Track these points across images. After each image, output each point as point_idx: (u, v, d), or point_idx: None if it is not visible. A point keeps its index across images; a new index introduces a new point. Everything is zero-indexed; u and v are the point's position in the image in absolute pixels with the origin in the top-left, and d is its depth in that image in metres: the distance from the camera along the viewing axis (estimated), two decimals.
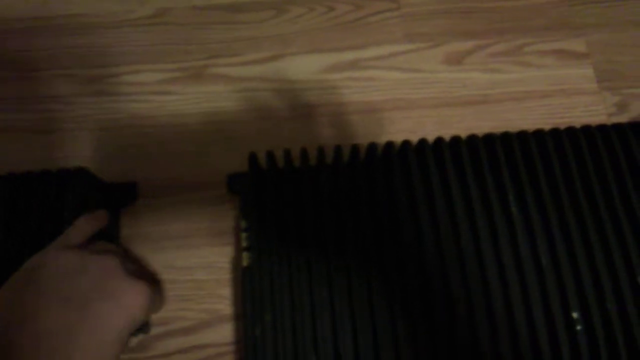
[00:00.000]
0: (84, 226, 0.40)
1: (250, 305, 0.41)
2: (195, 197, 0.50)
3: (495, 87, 0.54)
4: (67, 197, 0.43)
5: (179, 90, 0.55)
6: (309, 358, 0.39)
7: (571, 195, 0.42)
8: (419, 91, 0.54)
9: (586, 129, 0.45)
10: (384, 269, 0.41)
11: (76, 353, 0.31)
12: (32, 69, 0.55)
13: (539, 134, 0.44)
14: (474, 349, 0.38)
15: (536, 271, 0.40)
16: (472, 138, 0.44)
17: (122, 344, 0.34)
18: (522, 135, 0.44)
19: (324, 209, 0.43)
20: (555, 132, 0.45)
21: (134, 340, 0.45)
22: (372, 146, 0.45)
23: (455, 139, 0.44)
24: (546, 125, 0.46)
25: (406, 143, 0.45)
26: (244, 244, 0.44)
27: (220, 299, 0.47)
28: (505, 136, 0.44)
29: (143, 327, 0.43)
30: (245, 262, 0.43)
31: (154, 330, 0.46)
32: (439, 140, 0.45)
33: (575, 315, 0.39)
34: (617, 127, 0.45)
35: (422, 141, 0.45)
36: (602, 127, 0.45)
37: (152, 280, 0.39)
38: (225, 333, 0.46)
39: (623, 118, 0.52)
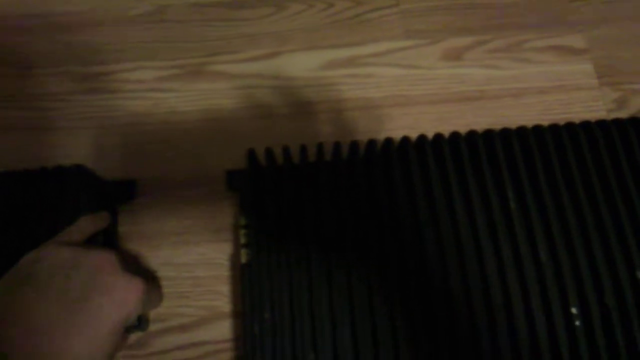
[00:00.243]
0: (85, 225, 0.40)
1: (249, 302, 0.41)
2: (193, 194, 0.50)
3: (494, 83, 0.54)
4: (65, 195, 0.43)
5: (177, 87, 0.55)
6: (307, 356, 0.39)
7: (570, 191, 0.42)
8: (418, 87, 0.54)
9: (586, 125, 0.45)
10: (384, 265, 0.41)
11: (69, 347, 0.31)
12: (29, 66, 0.55)
13: (538, 129, 0.44)
14: (473, 343, 0.38)
15: (535, 267, 0.40)
16: (471, 134, 0.44)
17: (117, 339, 0.34)
18: (522, 131, 0.44)
19: (323, 205, 0.43)
20: (554, 127, 0.45)
21: (132, 337, 0.45)
22: (372, 142, 0.45)
23: (455, 135, 0.44)
24: (545, 121, 0.46)
25: (405, 139, 0.45)
26: (243, 240, 0.44)
27: (219, 296, 0.47)
28: (505, 132, 0.44)
29: (141, 325, 0.43)
30: (244, 259, 0.43)
31: (152, 327, 0.45)
32: (438, 137, 0.44)
33: (574, 310, 0.39)
34: (617, 122, 0.45)
35: (422, 137, 0.45)
36: (601, 123, 0.45)
37: (148, 277, 0.39)
38: (223, 330, 0.45)
39: (623, 114, 0.52)
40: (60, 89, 0.55)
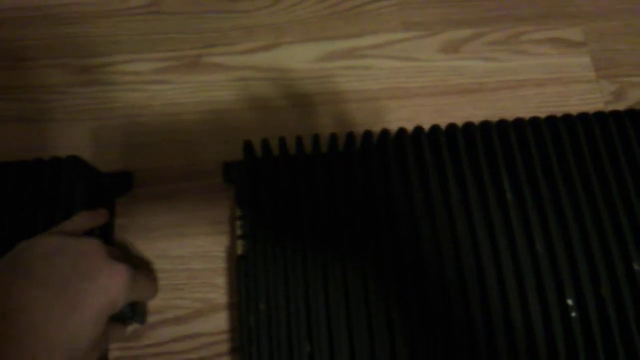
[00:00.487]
0: (81, 220, 0.40)
1: (244, 293, 0.41)
2: (190, 186, 0.50)
3: (492, 75, 0.54)
4: (61, 186, 0.42)
5: (173, 79, 0.54)
6: (303, 347, 0.39)
7: (567, 183, 0.42)
8: (415, 80, 0.54)
9: (583, 117, 0.44)
10: (379, 256, 0.41)
11: (51, 331, 0.31)
12: (25, 59, 0.55)
13: (535, 121, 0.44)
14: (469, 335, 0.38)
15: (531, 258, 0.40)
16: (468, 126, 0.44)
17: (101, 325, 0.34)
18: (519, 122, 0.44)
19: (319, 197, 0.43)
20: (551, 119, 0.44)
21: (129, 329, 0.45)
22: (368, 134, 0.45)
23: (452, 127, 0.44)
24: (542, 113, 0.46)
25: (402, 130, 0.44)
26: (239, 232, 0.44)
27: (215, 288, 0.47)
28: (502, 124, 0.44)
29: (136, 316, 0.43)
30: (240, 251, 0.43)
31: (148, 319, 0.45)
32: (435, 128, 0.44)
33: (570, 302, 0.39)
34: (614, 114, 0.44)
35: (418, 128, 0.44)
36: (599, 115, 0.44)
37: (142, 267, 0.39)
38: (219, 322, 0.45)
39: (620, 106, 0.52)
40: (57, 81, 0.54)
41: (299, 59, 0.55)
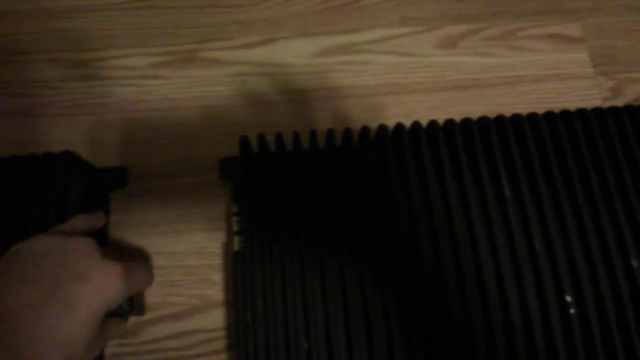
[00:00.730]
0: (76, 224, 0.39)
1: (241, 290, 0.41)
2: (186, 182, 0.49)
3: (489, 71, 0.54)
4: (54, 181, 0.42)
5: (169, 74, 0.54)
6: (300, 343, 0.39)
7: (565, 179, 0.42)
8: (413, 75, 0.54)
9: (581, 113, 0.44)
10: (377, 252, 0.41)
11: (45, 333, 0.31)
12: (18, 53, 0.54)
13: (533, 117, 0.44)
14: (467, 332, 0.38)
15: (530, 254, 0.40)
16: (465, 121, 0.44)
17: (97, 324, 0.34)
18: (517, 118, 0.44)
19: (316, 193, 0.43)
20: (549, 115, 0.44)
21: (129, 323, 0.44)
22: (365, 130, 0.44)
23: (449, 122, 0.44)
24: (540, 110, 0.45)
25: (399, 126, 0.44)
26: (236, 228, 0.44)
27: (211, 285, 0.46)
28: (500, 119, 0.44)
29: (135, 309, 0.43)
30: (236, 247, 0.43)
31: (143, 316, 0.45)
32: (433, 124, 0.44)
33: (568, 298, 0.39)
34: (612, 110, 0.44)
35: (416, 124, 0.44)
36: (597, 111, 0.44)
37: (137, 259, 0.38)
38: (215, 319, 0.45)
39: (618, 103, 0.52)
40: (51, 75, 0.54)
41: (296, 54, 0.55)
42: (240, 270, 0.41)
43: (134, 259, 0.41)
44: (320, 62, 0.54)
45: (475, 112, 0.47)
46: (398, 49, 0.55)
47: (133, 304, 0.42)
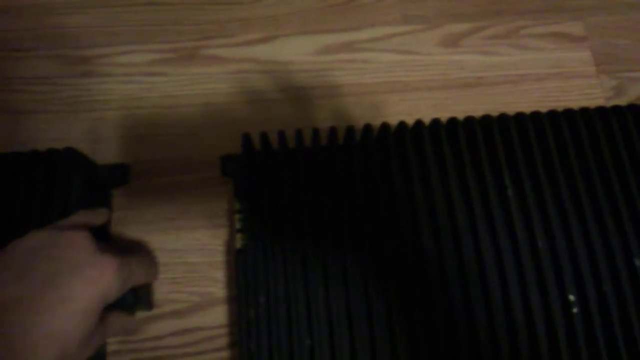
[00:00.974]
0: (77, 219, 0.39)
1: (243, 287, 0.40)
2: (188, 179, 0.49)
3: (491, 69, 0.54)
4: (56, 178, 0.42)
5: (170, 71, 0.54)
6: (303, 341, 0.39)
7: (568, 178, 0.42)
8: (415, 74, 0.54)
9: (584, 112, 0.44)
10: (379, 250, 0.40)
11: (40, 325, 0.31)
12: (18, 49, 0.54)
13: (536, 116, 0.44)
14: (470, 330, 0.38)
15: (532, 253, 0.40)
16: (468, 120, 0.44)
17: (94, 318, 0.34)
18: (520, 117, 0.44)
19: (318, 190, 0.42)
20: (553, 114, 0.44)
21: (138, 317, 0.44)
22: (368, 127, 0.44)
23: (452, 121, 0.44)
24: (542, 108, 0.45)
25: (402, 124, 0.44)
26: (238, 225, 0.43)
27: (214, 282, 0.46)
28: (503, 118, 0.44)
29: (144, 303, 0.43)
30: (238, 244, 0.43)
31: (145, 314, 0.45)
32: (436, 122, 0.44)
33: (571, 297, 0.39)
34: (615, 109, 0.44)
35: (419, 122, 0.44)
36: (600, 110, 0.44)
37: (135, 251, 0.38)
38: (218, 316, 0.45)
39: (621, 102, 0.52)
40: (51, 72, 0.54)
41: (297, 51, 0.55)
42: (242, 268, 0.41)
43: (133, 252, 0.41)
44: (321, 60, 0.54)
45: (478, 111, 0.47)
46: (400, 47, 0.55)
47: (139, 297, 0.42)
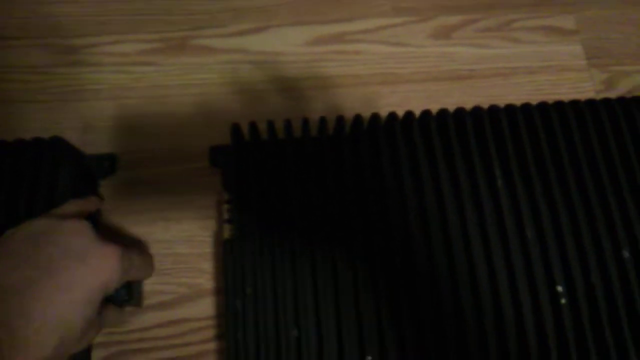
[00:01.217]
0: (71, 208, 0.39)
1: (231, 277, 0.40)
2: (176, 170, 0.49)
3: (483, 62, 0.54)
4: (43, 168, 0.41)
5: (160, 61, 0.53)
6: (290, 331, 0.39)
7: (557, 169, 0.42)
8: (406, 65, 0.54)
9: (574, 104, 0.44)
10: (368, 240, 0.40)
11: (42, 313, 0.30)
12: (7, 37, 0.54)
13: (526, 108, 0.44)
14: (458, 321, 0.38)
15: (521, 244, 0.40)
16: (459, 111, 0.44)
17: (95, 306, 0.33)
18: (510, 108, 0.44)
19: (308, 181, 0.42)
20: (543, 106, 0.44)
21: (126, 311, 0.44)
22: (358, 118, 0.44)
23: (443, 112, 0.44)
24: (533, 101, 0.45)
25: (392, 115, 0.44)
26: (226, 216, 0.43)
27: (201, 273, 0.46)
28: (493, 110, 0.44)
29: (135, 299, 0.43)
30: (226, 235, 0.42)
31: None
32: (426, 113, 0.44)
33: (559, 288, 0.38)
34: (605, 102, 0.44)
35: (409, 113, 0.44)
36: (590, 102, 0.44)
37: (134, 246, 0.38)
38: (205, 307, 0.45)
39: (611, 95, 0.52)
40: (40, 61, 0.53)
41: (289, 42, 0.54)
42: (230, 258, 0.41)
43: (133, 245, 0.40)
44: (312, 51, 0.54)
45: (468, 103, 0.47)
46: (391, 38, 0.55)
47: (132, 293, 0.42)
